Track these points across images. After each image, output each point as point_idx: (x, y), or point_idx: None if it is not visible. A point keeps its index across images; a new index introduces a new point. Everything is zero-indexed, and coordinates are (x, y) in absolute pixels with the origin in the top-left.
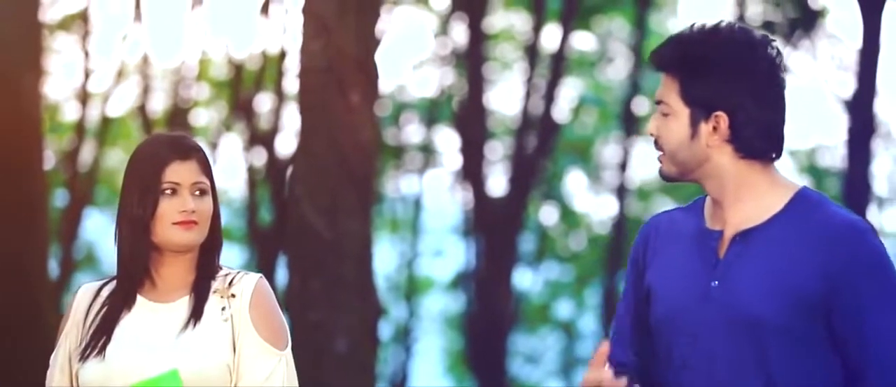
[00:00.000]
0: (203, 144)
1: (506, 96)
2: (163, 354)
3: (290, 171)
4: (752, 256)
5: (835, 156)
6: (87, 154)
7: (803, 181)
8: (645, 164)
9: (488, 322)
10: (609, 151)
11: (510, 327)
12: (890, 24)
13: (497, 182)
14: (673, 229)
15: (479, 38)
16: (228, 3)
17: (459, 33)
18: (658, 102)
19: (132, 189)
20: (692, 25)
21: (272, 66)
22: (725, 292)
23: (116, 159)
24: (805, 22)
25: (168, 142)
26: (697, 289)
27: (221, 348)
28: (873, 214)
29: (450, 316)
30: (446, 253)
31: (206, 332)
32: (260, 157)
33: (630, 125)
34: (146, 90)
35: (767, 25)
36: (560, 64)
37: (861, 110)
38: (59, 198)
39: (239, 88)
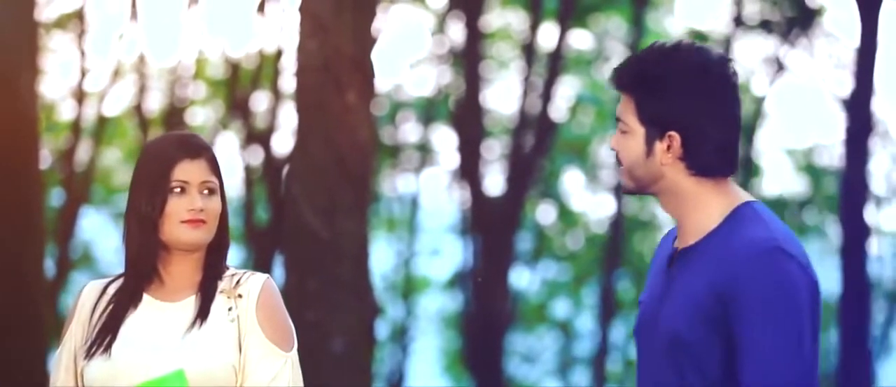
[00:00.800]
0: None
1: (503, 95)
2: (168, 353)
3: (286, 170)
4: (682, 274)
5: (832, 155)
6: (83, 153)
7: (801, 180)
8: None
9: (485, 321)
10: (606, 150)
11: (507, 326)
12: (887, 23)
13: (494, 181)
14: (660, 249)
15: (475, 36)
16: (225, 1)
17: (456, 32)
18: (617, 120)
19: (141, 187)
20: (652, 45)
21: (269, 65)
22: (661, 311)
23: (113, 158)
24: (802, 21)
25: (177, 141)
26: (654, 305)
27: (227, 349)
28: (871, 214)
29: (447, 315)
30: (443, 252)
31: (213, 332)
32: (256, 156)
33: None
34: (142, 89)
35: (765, 24)
36: (557, 63)
37: (859, 109)
38: (56, 197)
39: (235, 87)
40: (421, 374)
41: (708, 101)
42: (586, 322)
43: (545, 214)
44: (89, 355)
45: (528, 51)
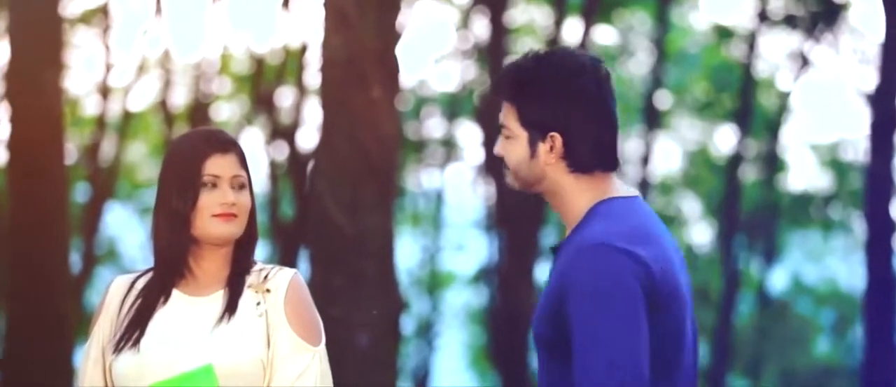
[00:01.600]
0: None
1: None
2: (197, 348)
3: (311, 165)
4: (552, 272)
5: (857, 150)
6: (108, 149)
7: (826, 175)
8: (667, 158)
9: (511, 316)
10: (631, 145)
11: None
12: None
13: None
14: None
15: (500, 31)
16: None
17: (481, 27)
18: (501, 126)
19: (171, 182)
20: (526, 54)
21: (293, 61)
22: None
23: (138, 154)
24: (827, 16)
25: (207, 136)
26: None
27: (256, 344)
28: None
29: (472, 310)
30: (468, 247)
31: (241, 327)
32: (281, 151)
33: (652, 119)
34: (167, 85)
35: (790, 19)
36: None
37: (883, 104)
38: (81, 192)
39: (260, 83)
40: (446, 369)
41: (584, 101)
42: None
43: None
44: (118, 349)
45: (553, 46)
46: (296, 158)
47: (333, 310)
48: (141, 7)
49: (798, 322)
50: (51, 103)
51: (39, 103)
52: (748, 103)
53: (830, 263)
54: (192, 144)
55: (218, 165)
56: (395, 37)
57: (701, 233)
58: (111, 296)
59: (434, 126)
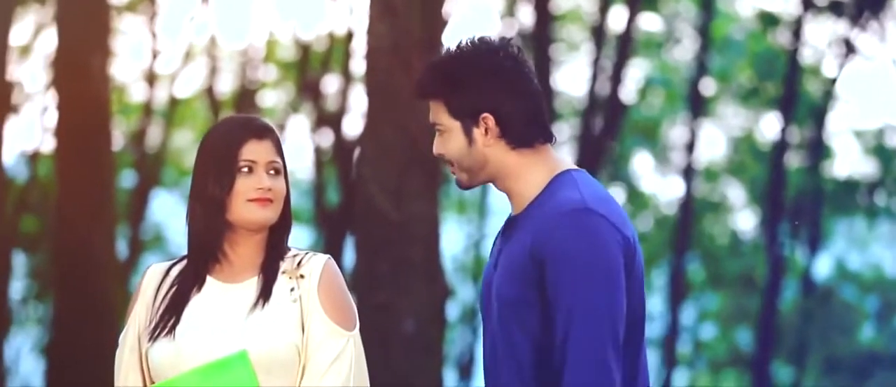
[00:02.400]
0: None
1: (573, 77)
2: (232, 334)
3: (357, 152)
4: (508, 242)
5: None
6: (154, 135)
7: (870, 162)
8: (712, 145)
9: None
10: (676, 132)
11: None
12: None
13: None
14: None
15: (545, 19)
16: None
17: (526, 14)
18: (433, 125)
19: (207, 168)
20: (441, 51)
21: (339, 48)
22: (493, 277)
23: (184, 140)
24: (873, 3)
25: (243, 122)
26: (487, 276)
27: (290, 329)
28: None
29: None
30: None
31: (275, 313)
32: (327, 138)
33: (697, 106)
34: (214, 71)
35: (835, 6)
36: (627, 45)
37: None
38: (127, 179)
39: (306, 70)
40: None
41: (504, 78)
42: (656, 304)
43: (615, 195)
44: (153, 337)
45: (598, 33)
46: (341, 146)
47: (379, 296)
48: None
49: (842, 309)
50: (98, 91)
51: (87, 91)
52: (793, 90)
53: (875, 249)
54: (229, 130)
55: (254, 151)
56: (440, 24)
57: (745, 220)
58: (146, 284)
59: None
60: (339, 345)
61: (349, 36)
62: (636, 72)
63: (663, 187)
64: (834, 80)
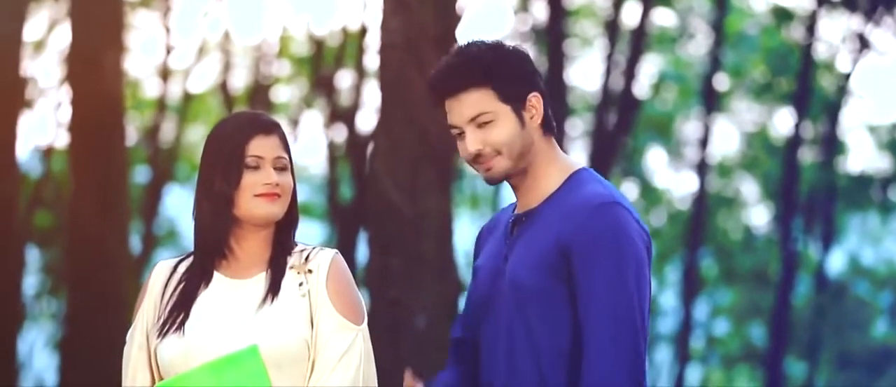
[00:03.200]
0: (284, 120)
1: (586, 72)
2: (242, 330)
3: (370, 147)
4: (525, 233)
5: None
6: (168, 130)
7: (884, 158)
8: (725, 140)
9: None
10: (689, 128)
11: None
12: None
13: (577, 158)
14: (495, 224)
15: (559, 14)
16: None
17: (540, 9)
18: (473, 119)
19: (214, 164)
20: (461, 48)
21: (353, 43)
22: (506, 268)
23: (198, 136)
24: None
25: (249, 118)
26: (494, 267)
27: (300, 324)
28: None
29: None
30: None
31: (285, 308)
32: (340, 133)
33: (711, 101)
34: (227, 67)
35: (849, 1)
36: (640, 40)
37: None
38: (141, 174)
39: (319, 65)
40: None
41: (532, 68)
42: (669, 299)
43: (628, 191)
44: (162, 333)
45: (612, 28)
46: (355, 141)
47: (391, 291)
48: None
49: (856, 304)
50: (111, 86)
51: (100, 86)
52: (807, 86)
53: (889, 245)
54: (235, 126)
55: (261, 147)
56: (454, 19)
57: (759, 215)
58: (154, 280)
59: None
60: (348, 339)
61: (363, 31)
62: (650, 67)
63: (677, 183)
64: (848, 76)
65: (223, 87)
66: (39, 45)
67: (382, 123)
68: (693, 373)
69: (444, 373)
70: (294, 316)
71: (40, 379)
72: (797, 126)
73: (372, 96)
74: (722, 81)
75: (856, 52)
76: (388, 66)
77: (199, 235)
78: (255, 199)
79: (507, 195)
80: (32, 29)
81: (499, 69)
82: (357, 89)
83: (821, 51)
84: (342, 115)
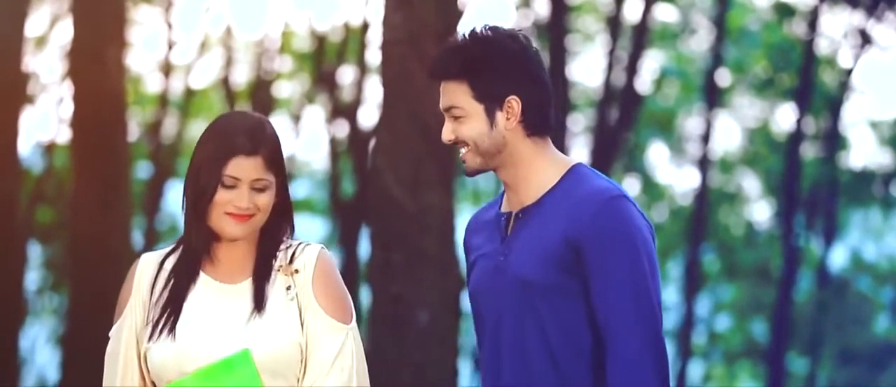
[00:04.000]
0: (286, 116)
1: (588, 68)
2: (233, 339)
3: (372, 143)
4: (526, 230)
5: None
6: (170, 126)
7: (886, 153)
8: (727, 135)
9: None
10: (691, 123)
11: None
12: None
13: (579, 154)
14: (479, 223)
15: (561, 9)
16: None
17: (541, 5)
18: (447, 110)
19: (197, 171)
20: (456, 38)
21: (354, 39)
22: (508, 264)
23: (199, 131)
24: None
25: (241, 131)
26: (491, 266)
27: (291, 330)
28: None
29: None
30: None
31: (275, 315)
32: (342, 129)
33: (712, 97)
34: (229, 62)
35: None
36: (642, 36)
37: None
38: (143, 170)
39: (321, 61)
40: None
41: (527, 64)
42: (671, 295)
43: (630, 186)
44: (153, 335)
45: (614, 24)
46: (356, 136)
47: (393, 287)
48: None
49: (858, 300)
50: (113, 81)
51: (102, 82)
52: (809, 81)
53: (891, 240)
54: (222, 138)
55: (240, 168)
56: (456, 14)
57: (761, 211)
58: (140, 275)
59: None
60: (338, 340)
61: (364, 26)
62: (652, 62)
63: (678, 178)
64: (849, 71)
65: (225, 82)
66: (41, 41)
67: (384, 119)
68: (695, 369)
69: None
70: (284, 323)
71: (42, 375)
72: (799, 122)
73: (374, 92)
74: (724, 77)
75: (858, 48)
76: (390, 62)
77: (184, 233)
78: (224, 216)
79: None
80: (34, 24)
81: (478, 66)
82: (359, 85)
83: (823, 46)
84: (344, 110)
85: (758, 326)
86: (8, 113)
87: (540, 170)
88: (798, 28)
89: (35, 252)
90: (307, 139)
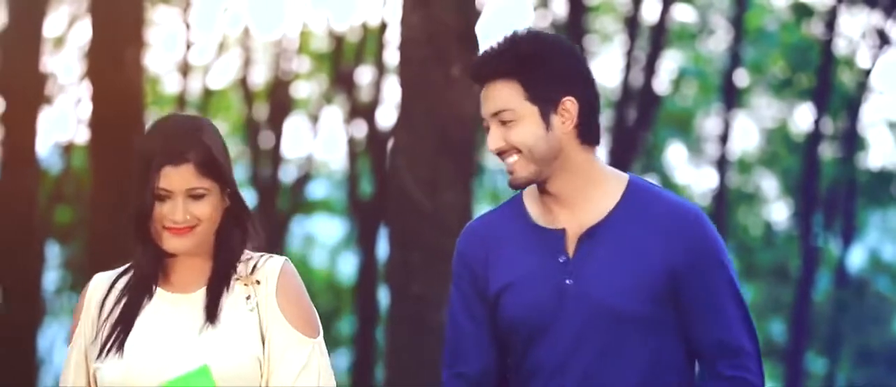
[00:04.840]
0: (304, 116)
1: (606, 68)
2: (185, 352)
3: (390, 143)
4: (602, 252)
5: None
6: None
7: None
8: (745, 136)
9: None
10: (710, 124)
11: None
12: None
13: (597, 154)
14: (496, 233)
15: (579, 10)
16: None
17: (559, 5)
18: (495, 115)
19: (133, 187)
20: (506, 37)
21: (373, 39)
22: (582, 290)
23: None
24: None
25: (162, 142)
26: (550, 288)
27: (249, 342)
28: None
29: None
30: None
31: (232, 326)
32: (360, 129)
33: (731, 97)
34: (247, 63)
35: None
36: (660, 36)
37: None
38: None
39: (340, 61)
40: None
41: (579, 66)
42: None
43: None
44: (101, 354)
45: (632, 24)
46: (375, 136)
47: (412, 287)
48: None
49: (876, 300)
50: (132, 82)
51: (120, 82)
52: (827, 81)
53: None
54: (147, 152)
55: (169, 179)
56: (474, 14)
57: (779, 211)
58: (90, 295)
59: None
60: (303, 354)
61: (382, 27)
62: (670, 63)
63: (697, 179)
64: (868, 72)
65: (243, 83)
66: (59, 41)
67: (402, 119)
68: None
69: None
70: (242, 334)
71: (60, 375)
72: (817, 122)
73: (392, 92)
74: (742, 77)
75: (876, 48)
76: (408, 62)
77: (134, 250)
78: (164, 230)
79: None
80: (52, 25)
81: (532, 64)
82: (377, 85)
83: (841, 47)
84: (362, 110)
85: (776, 326)
86: (26, 113)
87: (600, 183)
88: (816, 28)
89: (53, 252)
90: (325, 139)
